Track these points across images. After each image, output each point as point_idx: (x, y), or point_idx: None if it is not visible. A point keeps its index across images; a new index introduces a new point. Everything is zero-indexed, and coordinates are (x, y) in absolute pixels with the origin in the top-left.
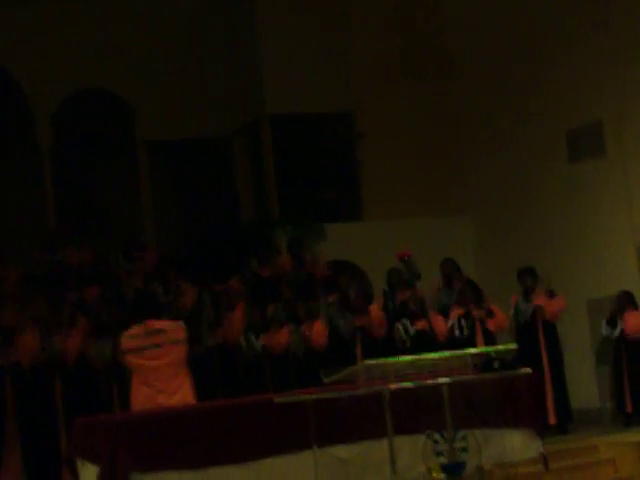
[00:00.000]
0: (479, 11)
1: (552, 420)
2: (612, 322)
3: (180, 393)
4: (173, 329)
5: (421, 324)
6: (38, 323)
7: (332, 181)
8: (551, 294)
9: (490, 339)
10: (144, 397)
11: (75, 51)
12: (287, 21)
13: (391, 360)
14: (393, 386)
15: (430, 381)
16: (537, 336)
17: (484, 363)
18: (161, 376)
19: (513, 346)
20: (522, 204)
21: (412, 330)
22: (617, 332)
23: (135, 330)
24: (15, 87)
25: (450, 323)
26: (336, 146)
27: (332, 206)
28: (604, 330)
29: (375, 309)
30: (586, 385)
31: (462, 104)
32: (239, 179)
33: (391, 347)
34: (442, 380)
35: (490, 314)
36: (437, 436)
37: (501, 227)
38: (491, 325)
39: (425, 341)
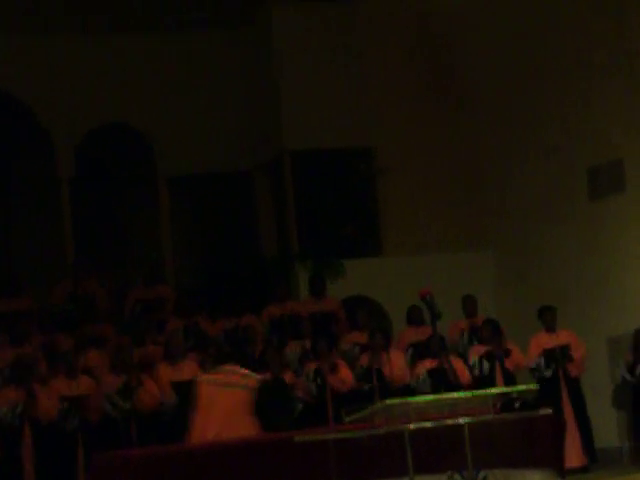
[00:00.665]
0: (499, 44)
1: (575, 462)
2: (632, 369)
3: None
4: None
5: (441, 363)
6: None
7: (352, 217)
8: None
9: (510, 378)
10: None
11: (97, 86)
12: (306, 57)
13: (412, 399)
14: (414, 425)
15: (451, 421)
16: (557, 375)
17: (505, 403)
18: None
19: (534, 386)
20: (543, 240)
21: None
22: (637, 374)
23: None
24: (36, 120)
25: (471, 362)
26: (356, 182)
27: (352, 242)
28: (624, 374)
29: (395, 354)
30: (605, 424)
31: (483, 138)
32: (260, 214)
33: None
34: (463, 420)
35: (507, 353)
36: (458, 476)
37: (521, 263)
38: (509, 364)
39: (445, 380)
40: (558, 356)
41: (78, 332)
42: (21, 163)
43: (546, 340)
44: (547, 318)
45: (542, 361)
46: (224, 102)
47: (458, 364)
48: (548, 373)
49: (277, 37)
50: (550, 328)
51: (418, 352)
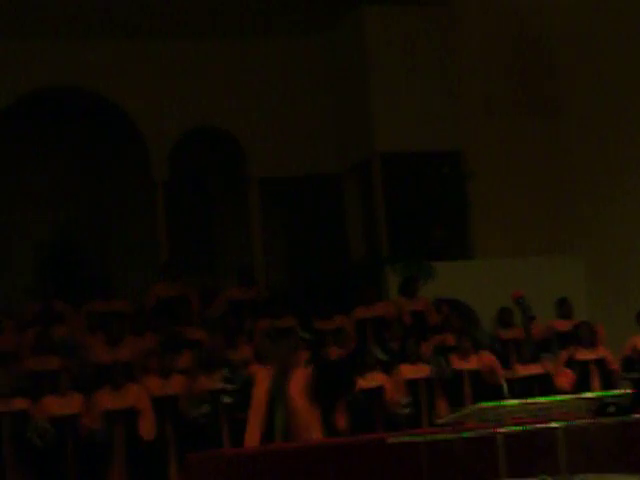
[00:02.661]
0: (590, 46)
1: None
2: None
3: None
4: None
5: (534, 368)
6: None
7: (442, 219)
8: None
9: (607, 383)
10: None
11: (190, 89)
12: (396, 60)
13: (505, 403)
14: (507, 429)
15: (544, 425)
16: None
17: (599, 407)
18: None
19: (629, 390)
20: (635, 244)
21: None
22: None
23: None
24: (131, 125)
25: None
26: (446, 184)
27: (442, 244)
28: None
29: (486, 355)
30: None
31: (573, 141)
32: (349, 217)
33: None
34: (556, 424)
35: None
36: None
37: (614, 266)
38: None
39: (540, 384)
40: None
41: (171, 333)
42: (117, 167)
43: None
44: None
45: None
46: (315, 105)
47: (557, 367)
48: (634, 375)
49: (368, 39)
50: None
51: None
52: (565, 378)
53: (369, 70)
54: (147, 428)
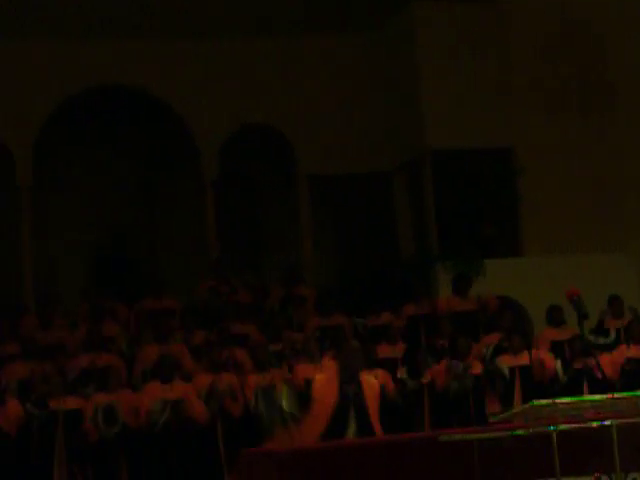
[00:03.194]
0: None
1: None
2: None
3: None
4: None
5: (584, 363)
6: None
7: (492, 216)
8: None
9: None
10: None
11: (238, 88)
12: (447, 56)
13: (558, 400)
14: (561, 427)
15: (597, 422)
16: None
17: None
18: None
19: None
20: None
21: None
22: None
23: None
24: (181, 123)
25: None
26: (496, 181)
27: (492, 242)
28: None
29: (536, 351)
30: None
31: (625, 137)
32: (399, 214)
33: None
34: (610, 422)
35: None
36: (606, 479)
37: None
38: None
39: (591, 381)
40: None
41: (221, 329)
42: (167, 166)
43: None
44: None
45: None
46: (364, 102)
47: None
48: None
49: (418, 36)
50: None
51: (558, 352)
52: (612, 367)
53: (419, 67)
54: (199, 412)
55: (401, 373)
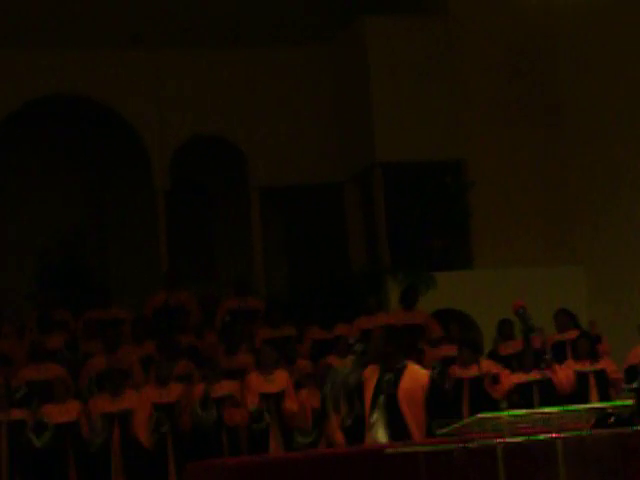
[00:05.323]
0: (592, 56)
1: None
2: None
3: None
4: None
5: (534, 375)
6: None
7: (443, 229)
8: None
9: (605, 394)
10: None
11: (191, 98)
12: (399, 68)
13: (505, 413)
14: (506, 440)
15: (544, 435)
16: None
17: (599, 418)
18: None
19: (630, 402)
20: (637, 252)
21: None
22: None
23: None
24: (133, 131)
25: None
26: (447, 194)
27: (443, 254)
28: None
29: (486, 362)
30: None
31: (575, 151)
32: (350, 226)
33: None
34: (556, 435)
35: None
36: None
37: (615, 277)
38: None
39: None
40: None
41: (170, 341)
42: (118, 175)
43: None
44: None
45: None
46: (316, 114)
47: (562, 373)
48: (636, 385)
49: (369, 49)
50: None
51: (508, 366)
52: (564, 376)
53: (370, 80)
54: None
55: None
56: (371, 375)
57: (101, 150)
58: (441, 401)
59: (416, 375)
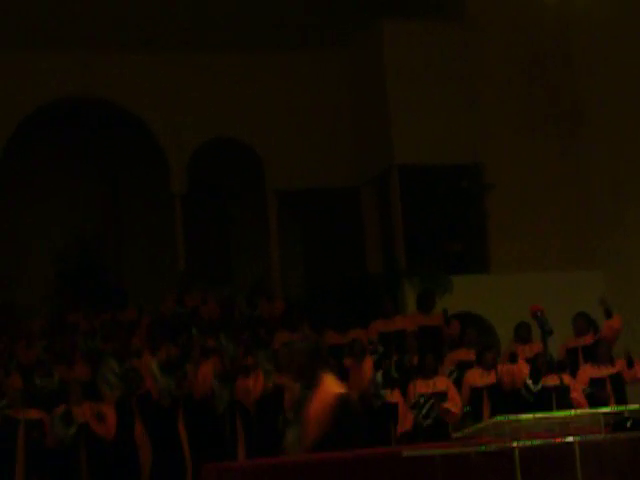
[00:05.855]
0: (609, 61)
1: None
2: None
3: None
4: None
5: (552, 380)
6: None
7: (460, 233)
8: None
9: (622, 398)
10: None
11: (208, 102)
12: (416, 72)
13: (522, 417)
14: (523, 443)
15: (561, 439)
16: None
17: (616, 422)
18: None
19: None
20: None
21: (538, 387)
22: None
23: None
24: (150, 135)
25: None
26: (464, 197)
27: (460, 258)
28: None
29: (503, 367)
30: None
31: (593, 154)
32: (367, 230)
33: (518, 403)
34: (573, 438)
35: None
36: None
37: (633, 282)
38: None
39: (558, 398)
40: None
41: (187, 341)
42: (136, 179)
43: None
44: None
45: None
46: (333, 117)
47: (570, 381)
48: None
49: (387, 53)
50: None
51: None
52: (578, 393)
53: (388, 83)
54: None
55: None
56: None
57: (118, 153)
58: (347, 425)
59: (325, 395)
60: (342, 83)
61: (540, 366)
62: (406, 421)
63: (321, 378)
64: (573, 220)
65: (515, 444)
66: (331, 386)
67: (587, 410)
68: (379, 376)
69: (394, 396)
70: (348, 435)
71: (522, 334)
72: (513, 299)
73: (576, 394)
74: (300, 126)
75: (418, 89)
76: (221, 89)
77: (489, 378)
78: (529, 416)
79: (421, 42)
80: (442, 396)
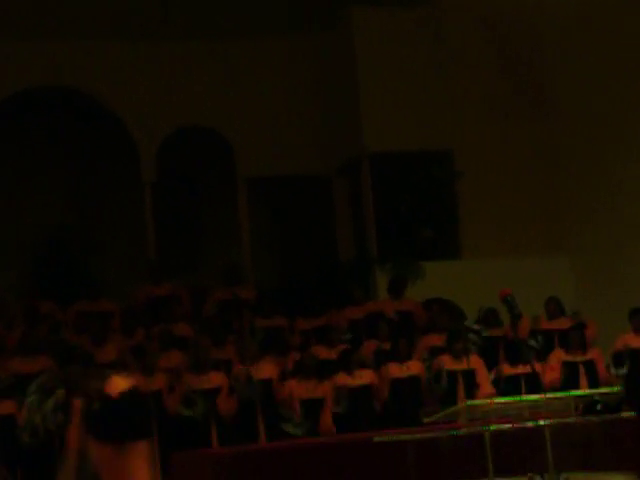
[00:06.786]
0: (579, 46)
1: None
2: None
3: None
4: None
5: (522, 367)
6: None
7: (431, 219)
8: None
9: (595, 383)
10: None
11: (178, 90)
12: (386, 60)
13: (493, 401)
14: (494, 427)
15: (532, 423)
16: None
17: (587, 405)
18: None
19: (617, 389)
20: (623, 242)
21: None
22: None
23: None
24: (120, 123)
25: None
26: (435, 184)
27: (430, 244)
28: None
29: (474, 358)
30: None
31: (561, 143)
32: (338, 217)
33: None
34: (544, 422)
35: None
36: (539, 478)
37: (602, 267)
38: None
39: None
40: None
41: (159, 332)
42: (106, 167)
43: (633, 341)
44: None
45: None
46: (303, 105)
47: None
48: (622, 372)
49: (358, 39)
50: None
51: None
52: (552, 375)
53: (358, 70)
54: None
55: None
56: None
57: (88, 142)
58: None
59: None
60: (313, 71)
61: (511, 352)
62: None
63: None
64: (543, 206)
65: (486, 428)
66: (115, 387)
67: (557, 394)
68: None
69: (366, 378)
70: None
71: (489, 319)
72: (484, 285)
73: (548, 376)
74: (271, 114)
75: (388, 76)
76: (191, 77)
77: (462, 365)
78: (500, 400)
79: (391, 29)
80: (416, 380)
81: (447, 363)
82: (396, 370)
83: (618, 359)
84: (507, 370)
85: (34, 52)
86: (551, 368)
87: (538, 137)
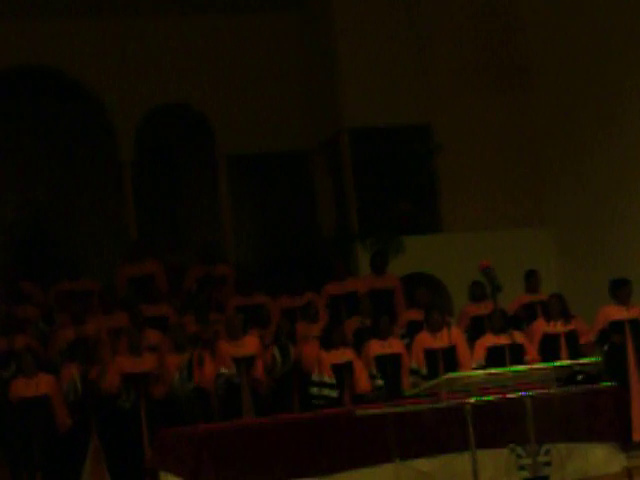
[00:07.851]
0: (557, 15)
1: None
2: None
3: None
4: None
5: (505, 339)
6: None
7: (411, 193)
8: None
9: (576, 355)
10: None
11: (156, 67)
12: (365, 34)
13: (474, 373)
14: (475, 399)
15: (512, 394)
16: (625, 349)
17: (567, 376)
18: None
19: (597, 359)
20: (605, 214)
21: None
22: None
23: None
24: (97, 102)
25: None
26: (414, 158)
27: (411, 218)
28: None
29: (455, 331)
30: None
31: (541, 114)
32: (319, 193)
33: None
34: (525, 393)
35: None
36: (520, 450)
37: (583, 238)
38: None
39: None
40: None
41: (138, 311)
42: (83, 146)
43: (614, 312)
44: (621, 292)
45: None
46: (282, 81)
47: (523, 339)
48: (604, 349)
49: (336, 14)
50: (622, 301)
51: (478, 327)
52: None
53: (336, 46)
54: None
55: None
56: None
57: (65, 121)
58: None
59: None
60: (291, 46)
61: (494, 323)
62: (362, 382)
63: None
64: (522, 178)
65: (467, 400)
66: None
67: (539, 365)
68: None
69: (347, 355)
70: None
71: (476, 293)
72: (465, 258)
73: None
74: (250, 90)
75: (367, 51)
76: (169, 54)
77: (440, 343)
78: (481, 372)
79: (369, 4)
80: (397, 357)
81: (425, 340)
82: (377, 348)
83: (602, 337)
84: (490, 340)
85: (8, 32)
86: (531, 350)
87: (518, 109)
